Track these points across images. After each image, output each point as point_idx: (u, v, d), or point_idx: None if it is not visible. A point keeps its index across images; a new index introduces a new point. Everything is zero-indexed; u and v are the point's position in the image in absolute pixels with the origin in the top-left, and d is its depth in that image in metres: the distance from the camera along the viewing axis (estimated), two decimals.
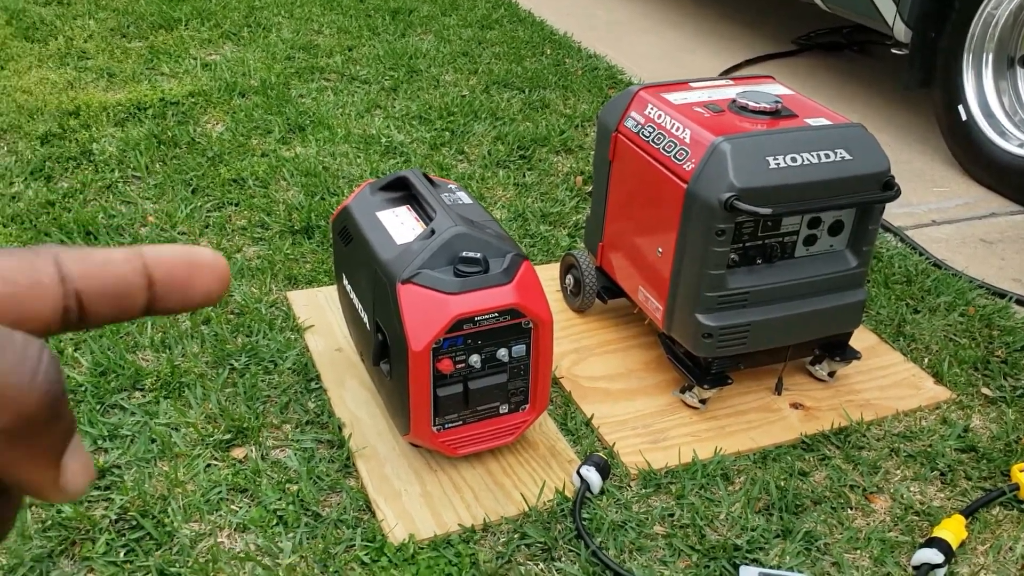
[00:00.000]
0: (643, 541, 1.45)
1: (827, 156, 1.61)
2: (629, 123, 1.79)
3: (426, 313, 1.42)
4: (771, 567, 1.41)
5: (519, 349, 1.51)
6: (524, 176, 2.67)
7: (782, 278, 1.68)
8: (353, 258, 1.65)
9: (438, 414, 1.50)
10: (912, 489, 1.58)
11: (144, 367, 1.77)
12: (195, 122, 2.86)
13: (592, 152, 2.82)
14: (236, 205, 2.41)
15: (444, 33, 3.79)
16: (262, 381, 1.76)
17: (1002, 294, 2.16)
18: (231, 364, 1.80)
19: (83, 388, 1.69)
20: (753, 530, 1.47)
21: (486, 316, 1.45)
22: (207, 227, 2.30)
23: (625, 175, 1.81)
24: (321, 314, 1.98)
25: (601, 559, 1.40)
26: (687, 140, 1.64)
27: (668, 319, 1.72)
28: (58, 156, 2.58)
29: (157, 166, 2.57)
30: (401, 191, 1.70)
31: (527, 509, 1.50)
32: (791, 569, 1.41)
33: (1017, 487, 1.57)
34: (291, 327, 1.93)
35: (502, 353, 1.50)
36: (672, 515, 1.50)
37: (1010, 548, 1.47)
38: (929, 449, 1.66)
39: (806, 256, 1.71)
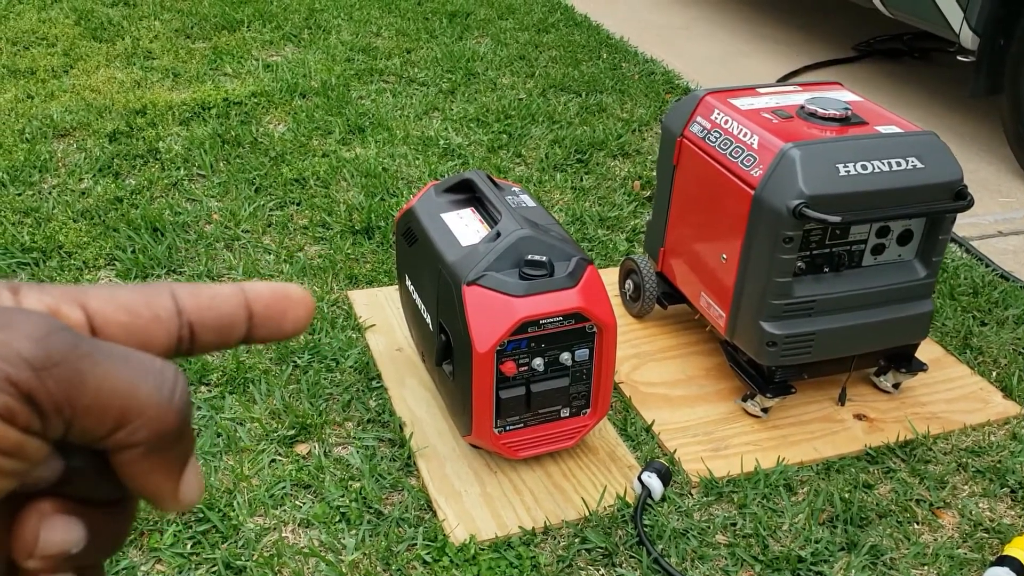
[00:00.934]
0: (705, 550, 1.44)
1: (898, 164, 1.59)
2: (695, 128, 1.78)
3: (491, 315, 1.43)
4: None
5: (582, 353, 1.51)
6: (581, 180, 2.67)
7: (849, 287, 1.66)
8: (417, 259, 1.66)
9: (500, 416, 1.51)
10: (981, 505, 1.55)
11: (210, 362, 1.80)
12: (257, 122, 2.90)
13: (651, 157, 2.82)
14: (298, 204, 2.44)
15: (501, 36, 3.81)
16: (324, 379, 1.78)
17: None
18: (294, 361, 1.82)
19: None
20: (817, 542, 1.45)
21: (551, 319, 1.45)
22: (270, 226, 2.33)
23: (689, 180, 1.80)
24: (381, 313, 1.99)
25: (663, 566, 1.39)
26: (755, 146, 1.62)
27: (731, 326, 1.71)
28: (126, 153, 2.63)
29: (221, 165, 2.62)
30: (465, 193, 1.70)
31: (588, 514, 1.49)
32: None
33: None
34: (352, 326, 1.95)
35: (565, 357, 1.50)
36: (734, 524, 1.49)
37: None
38: (999, 465, 1.63)
39: (874, 265, 1.69)
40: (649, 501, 1.52)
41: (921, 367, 1.78)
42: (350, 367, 1.82)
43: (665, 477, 1.53)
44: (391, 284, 2.11)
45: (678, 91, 3.36)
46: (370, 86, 3.26)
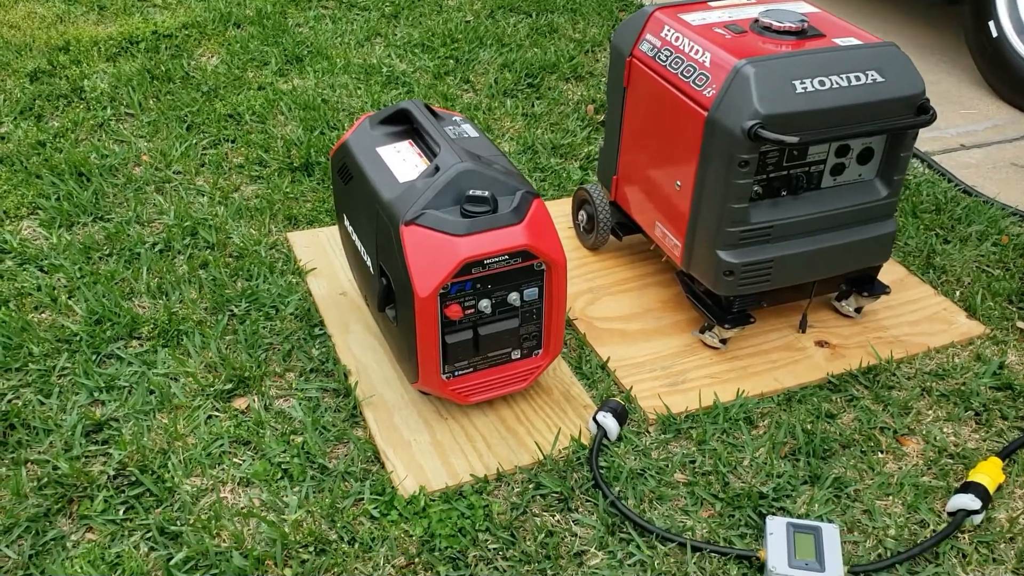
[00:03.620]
0: (663, 490, 1.38)
1: (858, 79, 1.50)
2: (644, 46, 1.68)
3: (432, 257, 1.34)
4: (799, 516, 1.34)
5: (531, 292, 1.43)
6: (533, 106, 2.56)
7: (808, 210, 1.58)
8: (354, 197, 1.56)
9: (447, 361, 1.43)
10: (946, 430, 1.51)
11: (141, 315, 1.70)
12: (189, 55, 2.74)
13: (605, 79, 2.70)
14: (232, 142, 2.31)
15: None
16: (263, 328, 1.69)
17: None
18: (231, 310, 1.73)
19: (78, 338, 1.62)
20: (779, 476, 1.41)
21: (496, 259, 1.36)
22: (203, 165, 2.21)
23: (640, 103, 1.70)
24: (323, 256, 1.89)
25: (620, 509, 1.34)
26: (707, 64, 1.53)
27: (687, 256, 1.64)
28: (48, 94, 2.47)
29: (151, 103, 2.47)
30: (402, 124, 1.60)
31: (542, 458, 1.43)
32: (819, 518, 1.34)
33: None
34: (292, 270, 1.85)
35: (513, 297, 1.42)
36: (693, 462, 1.44)
37: None
38: (963, 388, 1.58)
39: (833, 187, 1.62)
40: (605, 442, 1.46)
41: (884, 289, 1.72)
42: (290, 314, 1.73)
43: (621, 416, 1.47)
44: (333, 224, 2.01)
45: (632, 8, 3.23)
46: (308, 12, 3.10)
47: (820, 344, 1.70)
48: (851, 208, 1.61)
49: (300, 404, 1.52)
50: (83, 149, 2.22)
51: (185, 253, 1.87)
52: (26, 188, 2.05)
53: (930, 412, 1.55)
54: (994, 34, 2.65)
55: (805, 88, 1.47)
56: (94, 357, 1.59)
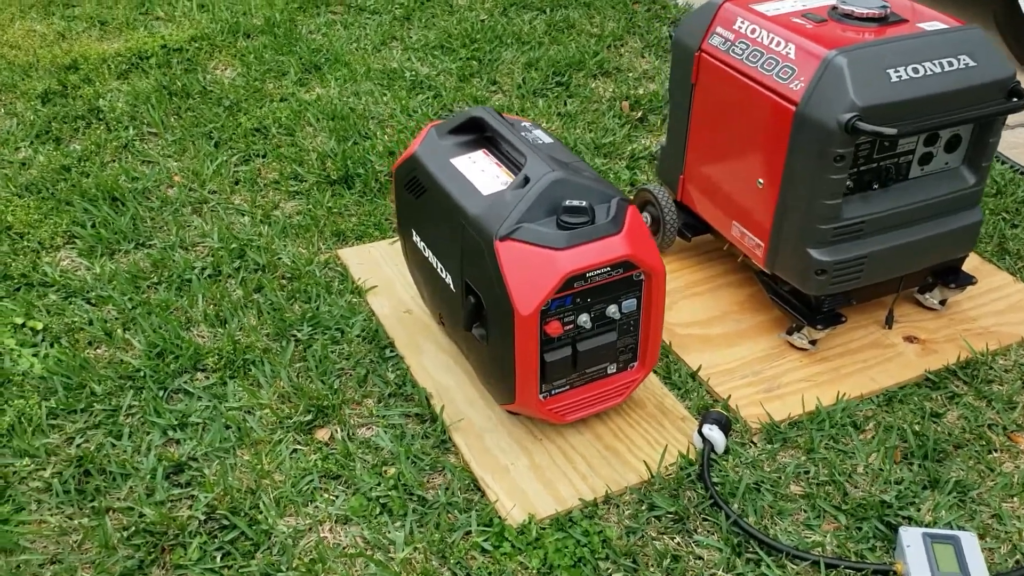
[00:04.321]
0: (782, 504, 1.32)
1: (950, 64, 1.45)
2: (715, 40, 1.61)
3: (532, 273, 1.27)
4: (926, 524, 1.29)
5: (630, 304, 1.37)
6: (565, 104, 2.49)
7: (899, 203, 1.53)
8: (428, 212, 1.49)
9: (545, 380, 1.36)
10: None
11: (203, 345, 1.61)
12: (203, 69, 2.65)
13: (631, 74, 2.63)
14: (263, 157, 2.22)
15: None
16: (332, 352, 1.61)
17: None
18: (294, 335, 1.65)
19: (141, 373, 1.54)
20: (898, 483, 1.35)
21: (598, 271, 1.29)
22: (237, 183, 2.12)
23: (712, 99, 1.64)
24: (380, 272, 1.82)
25: (744, 528, 1.28)
26: (792, 56, 1.47)
27: (771, 256, 1.58)
28: (63, 116, 2.37)
29: (172, 120, 2.37)
30: (473, 133, 1.53)
31: (650, 476, 1.37)
32: (948, 525, 1.29)
33: None
34: (351, 289, 1.77)
35: (612, 310, 1.35)
36: (807, 472, 1.38)
37: None
38: None
39: (921, 176, 1.56)
40: (713, 455, 1.40)
41: (970, 280, 1.67)
42: (357, 336, 1.65)
43: (726, 427, 1.41)
44: (382, 238, 1.93)
45: (646, 0, 3.16)
46: (318, 19, 3.01)
47: (909, 340, 1.65)
48: (940, 198, 1.56)
49: (385, 432, 1.45)
50: (111, 172, 2.13)
51: (236, 277, 1.79)
52: (58, 216, 1.96)
53: None
54: None
55: (900, 76, 1.41)
56: (161, 393, 1.51)
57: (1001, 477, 1.36)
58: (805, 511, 1.32)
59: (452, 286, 1.45)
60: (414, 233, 1.57)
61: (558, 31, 2.94)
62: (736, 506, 1.32)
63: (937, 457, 1.40)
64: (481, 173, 1.43)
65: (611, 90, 2.57)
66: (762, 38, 1.53)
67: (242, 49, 2.77)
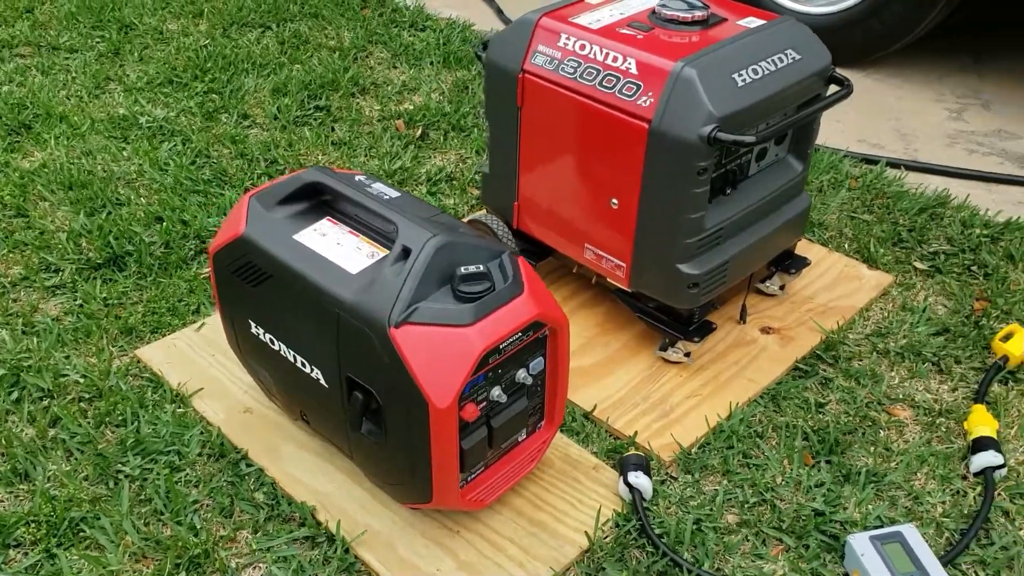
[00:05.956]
0: (727, 539, 1.27)
1: (781, 60, 1.45)
2: (539, 60, 1.51)
3: (442, 358, 1.10)
4: (863, 526, 1.29)
5: (537, 364, 1.24)
6: (334, 131, 2.28)
7: (748, 202, 1.52)
8: (275, 302, 1.26)
9: (463, 469, 1.21)
10: (919, 388, 1.54)
11: (5, 512, 1.27)
12: None
13: (390, 88, 2.46)
14: None
15: None
16: (177, 483, 1.33)
17: (872, 160, 2.17)
18: (122, 472, 1.35)
19: None
20: (819, 487, 1.35)
21: (510, 340, 1.16)
22: None
23: (543, 122, 1.54)
24: (197, 369, 1.54)
25: None
26: (633, 71, 1.40)
27: (635, 276, 1.52)
28: None
29: None
30: (308, 200, 1.32)
31: (590, 544, 1.26)
32: (880, 520, 1.30)
33: (1006, 359, 1.57)
34: (170, 399, 1.48)
35: (522, 375, 1.22)
36: (735, 496, 1.34)
37: None
38: (910, 342, 1.62)
39: (759, 172, 1.57)
40: (644, 504, 1.32)
41: (805, 262, 1.72)
42: (200, 456, 1.38)
43: (647, 470, 1.33)
44: (184, 325, 1.64)
45: (373, 3, 2.99)
46: (6, 65, 2.54)
47: (765, 331, 1.66)
48: (777, 190, 1.57)
49: (279, 569, 1.22)
50: None
51: (20, 412, 1.44)
52: None
53: (895, 374, 1.57)
54: None
55: (744, 80, 1.39)
56: None
57: (901, 456, 1.41)
58: (750, 539, 1.28)
59: (323, 382, 1.24)
60: (253, 325, 1.33)
61: (293, 48, 2.70)
62: (687, 555, 1.25)
63: (840, 451, 1.42)
64: (338, 247, 1.23)
65: (377, 109, 2.39)
66: (594, 54, 1.45)
67: None
